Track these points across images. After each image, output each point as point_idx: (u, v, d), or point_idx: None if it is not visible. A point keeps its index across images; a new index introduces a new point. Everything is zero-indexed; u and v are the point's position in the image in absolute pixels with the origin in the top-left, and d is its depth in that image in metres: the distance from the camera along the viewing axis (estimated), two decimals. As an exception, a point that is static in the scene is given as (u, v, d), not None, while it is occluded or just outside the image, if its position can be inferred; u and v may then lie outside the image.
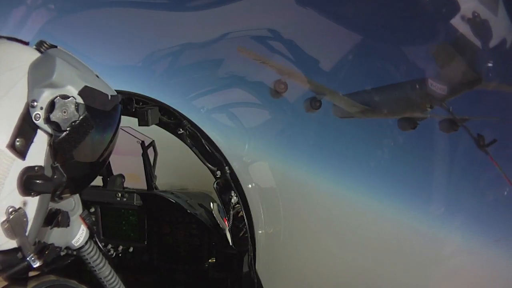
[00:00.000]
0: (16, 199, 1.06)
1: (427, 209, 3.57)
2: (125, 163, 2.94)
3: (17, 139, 1.01)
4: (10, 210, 1.04)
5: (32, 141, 1.05)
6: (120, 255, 2.81)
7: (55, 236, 1.30)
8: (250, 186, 3.15)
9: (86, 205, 2.78)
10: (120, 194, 2.76)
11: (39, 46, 1.12)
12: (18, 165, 1.04)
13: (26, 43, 1.13)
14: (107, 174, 2.85)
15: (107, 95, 1.16)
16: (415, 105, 3.55)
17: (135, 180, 2.89)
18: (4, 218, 1.04)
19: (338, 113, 4.04)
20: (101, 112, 1.15)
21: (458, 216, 3.41)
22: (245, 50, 3.91)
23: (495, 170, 3.19)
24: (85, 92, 1.09)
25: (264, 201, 3.24)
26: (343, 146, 4.31)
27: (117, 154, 2.84)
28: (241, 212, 2.69)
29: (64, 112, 1.05)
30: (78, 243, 1.37)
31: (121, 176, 2.88)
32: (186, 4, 3.81)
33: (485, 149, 3.22)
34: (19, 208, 1.06)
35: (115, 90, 1.24)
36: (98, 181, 2.86)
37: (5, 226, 1.03)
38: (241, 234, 2.67)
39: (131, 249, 2.83)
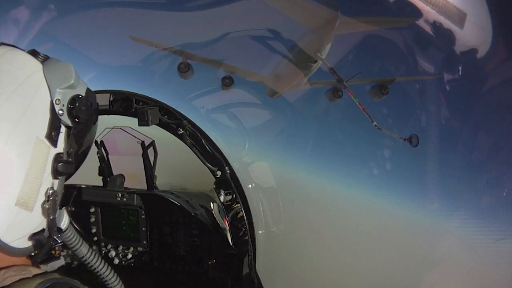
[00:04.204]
0: (50, 181, 1.25)
1: (428, 207, 3.57)
2: (125, 163, 2.93)
3: (52, 131, 1.23)
4: (50, 191, 1.24)
5: (60, 132, 1.28)
6: (120, 255, 2.81)
7: (57, 218, 1.39)
8: (250, 186, 3.15)
9: (86, 205, 2.81)
10: (120, 194, 2.75)
11: (35, 55, 1.31)
12: (52, 152, 1.25)
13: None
14: (107, 174, 2.85)
15: (94, 94, 1.47)
16: (301, 65, 3.69)
17: (135, 180, 2.88)
18: (44, 199, 1.22)
19: (268, 93, 4.28)
20: (95, 106, 1.47)
21: (459, 215, 3.40)
22: (138, 38, 4.20)
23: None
24: (88, 92, 1.40)
25: (264, 201, 3.24)
26: (343, 146, 4.31)
27: (117, 154, 2.87)
28: (241, 212, 2.69)
29: (83, 107, 1.32)
30: (64, 226, 1.48)
31: (121, 176, 2.87)
32: (186, 4, 3.81)
33: (344, 84, 3.38)
34: (53, 189, 1.25)
35: (116, 90, 1.56)
36: (98, 181, 2.86)
37: (46, 207, 1.23)
38: (241, 234, 2.67)
39: (131, 249, 2.82)
